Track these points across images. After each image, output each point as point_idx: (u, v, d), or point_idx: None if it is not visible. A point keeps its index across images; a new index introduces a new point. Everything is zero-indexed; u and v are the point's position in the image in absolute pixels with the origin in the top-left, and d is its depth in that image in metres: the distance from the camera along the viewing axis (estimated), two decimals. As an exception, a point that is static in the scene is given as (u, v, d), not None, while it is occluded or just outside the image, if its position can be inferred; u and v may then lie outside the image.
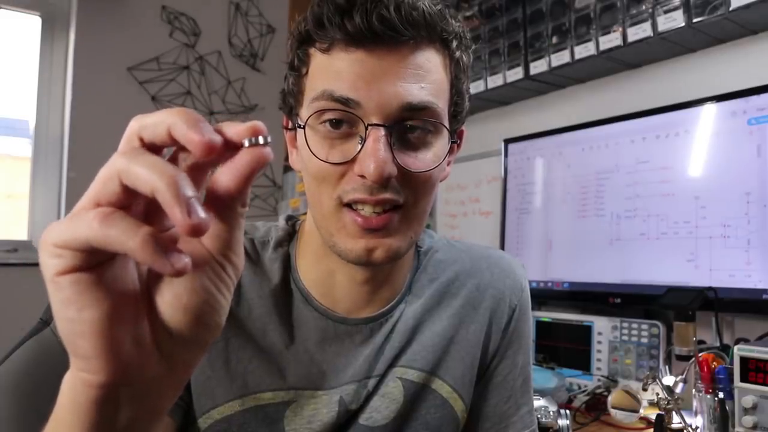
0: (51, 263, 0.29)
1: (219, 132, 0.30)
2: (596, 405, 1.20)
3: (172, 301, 0.32)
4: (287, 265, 0.66)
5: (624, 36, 1.37)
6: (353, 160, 0.55)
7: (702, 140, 1.25)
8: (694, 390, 0.93)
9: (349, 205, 0.56)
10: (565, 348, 1.47)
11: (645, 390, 1.04)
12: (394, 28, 0.53)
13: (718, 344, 1.16)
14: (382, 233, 0.56)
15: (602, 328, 1.39)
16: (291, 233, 0.69)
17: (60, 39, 2.24)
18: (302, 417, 0.62)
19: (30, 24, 2.23)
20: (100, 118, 2.24)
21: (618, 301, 1.36)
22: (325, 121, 0.55)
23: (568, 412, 0.97)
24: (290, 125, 0.64)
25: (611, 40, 1.40)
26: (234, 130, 0.30)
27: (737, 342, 1.09)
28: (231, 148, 0.30)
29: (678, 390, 0.98)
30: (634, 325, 1.32)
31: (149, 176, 0.28)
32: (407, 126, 0.56)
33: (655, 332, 1.28)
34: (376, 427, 0.65)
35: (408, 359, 0.67)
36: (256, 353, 0.62)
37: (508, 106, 1.88)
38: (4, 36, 2.22)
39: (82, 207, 0.29)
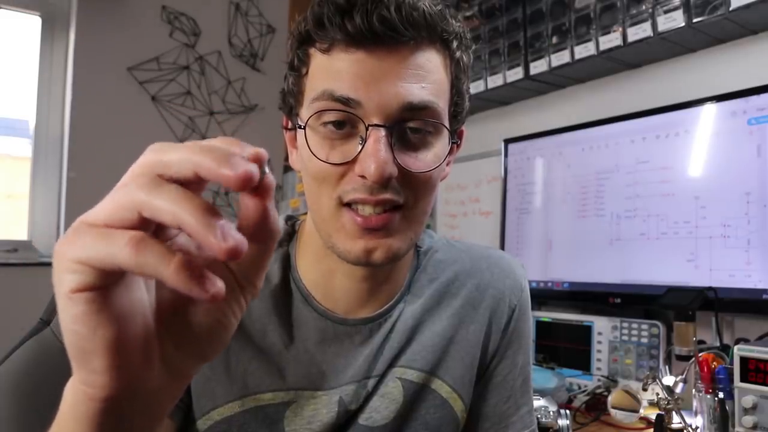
0: (67, 279, 0.29)
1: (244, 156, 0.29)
2: (596, 405, 1.20)
3: (184, 319, 0.32)
4: (287, 265, 0.66)
5: (624, 36, 1.37)
6: (353, 161, 0.55)
7: (702, 140, 1.25)
8: (694, 390, 0.93)
9: (349, 205, 0.56)
10: (565, 348, 1.47)
11: (645, 390, 1.04)
12: (394, 28, 0.53)
13: (718, 344, 1.16)
14: (381, 233, 0.56)
15: (602, 328, 1.39)
16: (290, 233, 0.69)
17: (60, 39, 2.24)
18: (302, 417, 0.62)
19: (30, 24, 2.23)
20: (100, 118, 2.24)
21: (618, 301, 1.36)
22: (326, 123, 0.55)
23: (568, 412, 0.97)
24: (290, 125, 0.64)
25: (611, 40, 1.40)
26: (251, 157, 0.30)
27: (737, 342, 1.09)
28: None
29: (678, 390, 0.98)
30: (634, 325, 1.32)
31: (173, 209, 0.27)
32: (408, 126, 0.56)
33: (655, 332, 1.28)
34: (376, 427, 0.65)
35: (407, 359, 0.66)
36: (256, 354, 0.62)
37: (508, 106, 1.88)
38: (4, 36, 2.22)
39: (91, 223, 0.29)
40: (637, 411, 1.05)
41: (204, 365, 0.60)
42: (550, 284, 1.53)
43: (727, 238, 1.18)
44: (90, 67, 2.23)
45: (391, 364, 0.66)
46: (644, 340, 1.30)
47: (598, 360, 1.38)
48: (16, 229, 2.19)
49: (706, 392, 0.90)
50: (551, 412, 0.95)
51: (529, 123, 1.76)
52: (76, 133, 2.19)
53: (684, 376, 0.99)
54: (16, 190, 2.27)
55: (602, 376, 1.35)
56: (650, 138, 1.34)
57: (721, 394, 0.89)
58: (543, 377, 1.21)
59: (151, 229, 0.29)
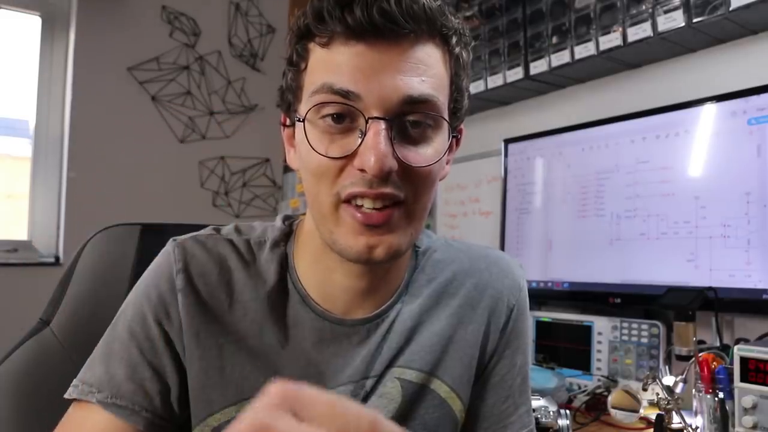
0: None
1: None
2: (596, 405, 1.20)
3: None
4: (284, 266, 0.66)
5: (624, 36, 1.37)
6: (353, 155, 0.54)
7: (702, 140, 1.25)
8: (694, 390, 0.93)
9: (348, 201, 0.56)
10: (565, 348, 1.47)
11: (645, 390, 1.04)
12: (394, 21, 0.53)
13: (718, 344, 1.16)
14: (383, 230, 0.56)
15: (602, 328, 1.39)
16: (288, 233, 0.68)
17: (60, 39, 2.24)
18: None
19: (30, 24, 2.23)
20: (100, 118, 2.24)
21: (618, 301, 1.36)
22: (325, 116, 0.55)
23: (568, 412, 0.97)
24: (288, 122, 0.64)
25: (611, 40, 1.40)
26: None
27: (737, 342, 1.09)
28: None
29: (678, 390, 0.98)
30: (634, 325, 1.32)
31: None
32: (408, 119, 0.56)
33: (655, 332, 1.28)
34: None
35: (406, 359, 0.66)
36: (251, 357, 0.62)
37: (508, 106, 1.88)
38: (4, 36, 2.22)
39: None
40: (637, 411, 1.05)
41: (199, 372, 0.61)
42: (550, 284, 1.53)
43: (727, 238, 1.18)
44: (90, 67, 2.23)
45: (390, 365, 0.66)
46: (644, 340, 1.30)
47: (598, 360, 1.38)
48: (16, 229, 2.20)
49: (706, 392, 0.90)
50: (551, 412, 0.95)
51: (529, 123, 1.76)
52: (76, 133, 2.19)
53: (684, 376, 0.99)
54: (16, 190, 2.27)
55: (602, 376, 1.35)
56: (650, 138, 1.34)
57: (721, 394, 0.89)
58: (543, 377, 1.21)
59: None
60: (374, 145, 0.52)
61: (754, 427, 0.84)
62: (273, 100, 0.65)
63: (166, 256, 0.64)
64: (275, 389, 0.28)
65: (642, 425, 1.08)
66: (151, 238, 0.85)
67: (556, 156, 1.56)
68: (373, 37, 0.53)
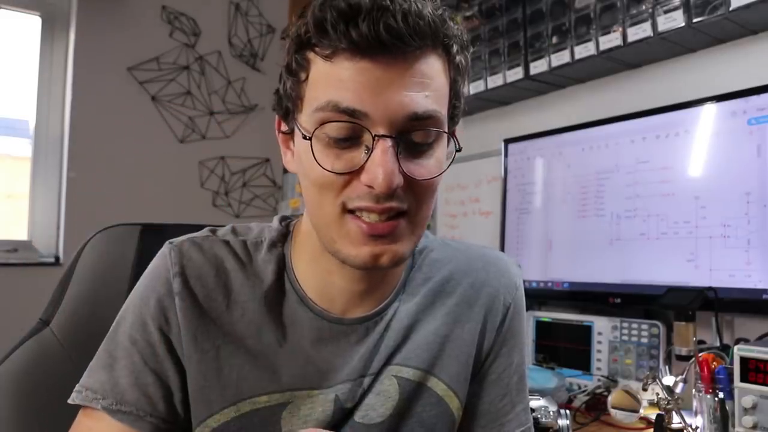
0: None
1: None
2: (596, 405, 1.20)
3: None
4: (282, 266, 0.66)
5: (624, 36, 1.37)
6: (359, 170, 0.54)
7: (702, 140, 1.25)
8: (694, 390, 0.93)
9: (352, 211, 0.56)
10: (565, 348, 1.47)
11: (645, 390, 1.04)
12: (401, 38, 0.52)
13: (718, 344, 1.16)
14: (387, 239, 0.56)
15: (602, 328, 1.39)
16: (285, 234, 0.68)
17: (60, 39, 2.24)
18: (298, 417, 0.62)
19: (30, 24, 2.23)
20: (100, 118, 2.24)
21: (618, 301, 1.36)
22: (332, 138, 0.55)
23: (568, 412, 0.97)
24: (284, 128, 0.63)
25: (611, 40, 1.40)
26: None
27: (737, 342, 1.09)
28: None
29: (678, 390, 0.98)
30: (634, 325, 1.32)
31: None
32: (412, 135, 0.56)
33: (655, 332, 1.28)
34: (372, 424, 0.65)
35: (403, 357, 0.67)
36: (249, 357, 0.62)
37: (508, 106, 1.88)
38: (4, 36, 2.22)
39: None
40: (637, 411, 1.05)
41: (197, 374, 0.61)
42: (550, 284, 1.53)
43: (727, 238, 1.18)
44: (90, 67, 2.23)
45: (387, 363, 0.66)
46: (644, 340, 1.30)
47: (598, 360, 1.38)
48: (16, 229, 2.20)
49: (706, 392, 0.90)
50: (551, 412, 0.95)
51: (529, 123, 1.76)
52: (76, 133, 2.19)
53: (684, 376, 0.99)
54: (16, 190, 2.27)
55: (602, 376, 1.35)
56: (650, 138, 1.34)
57: (721, 394, 0.89)
58: (543, 377, 1.21)
59: None
60: (382, 162, 0.52)
61: (754, 427, 0.84)
62: (272, 100, 0.65)
63: (163, 259, 0.64)
64: None
65: (642, 425, 1.08)
66: (151, 238, 0.85)
67: (556, 156, 1.56)
68: (378, 53, 0.53)
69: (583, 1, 1.46)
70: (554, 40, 1.54)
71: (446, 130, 0.59)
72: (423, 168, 0.57)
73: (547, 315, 1.53)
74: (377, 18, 0.51)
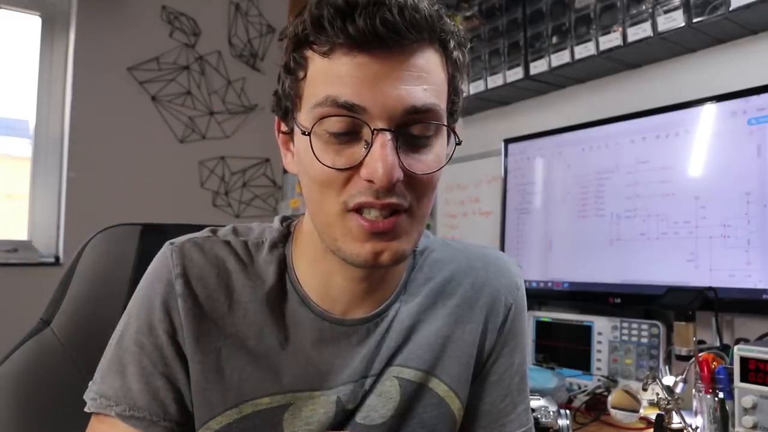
0: None
1: None
2: (596, 405, 1.20)
3: None
4: (283, 267, 0.66)
5: (624, 36, 1.37)
6: (359, 165, 0.54)
7: (702, 140, 1.25)
8: (694, 390, 0.93)
9: (354, 210, 0.56)
10: (565, 348, 1.47)
11: (645, 390, 1.04)
12: (397, 31, 0.52)
13: (718, 344, 1.16)
14: (388, 236, 0.56)
15: (602, 328, 1.39)
16: (286, 234, 0.68)
17: (60, 39, 2.24)
18: (300, 419, 0.62)
19: (30, 24, 2.23)
20: (100, 118, 2.24)
21: (618, 301, 1.36)
22: (331, 134, 0.55)
23: (568, 412, 0.97)
24: (284, 128, 0.63)
25: (611, 40, 1.40)
26: None
27: (737, 342, 1.09)
28: None
29: (678, 390, 0.98)
30: (634, 325, 1.32)
31: None
32: (411, 129, 0.56)
33: (655, 332, 1.28)
34: (373, 425, 0.65)
35: (404, 358, 0.67)
36: (251, 359, 0.62)
37: (508, 106, 1.88)
38: (4, 36, 2.22)
39: None
40: (637, 411, 1.05)
41: (199, 376, 0.61)
42: (550, 284, 1.53)
43: (727, 238, 1.18)
44: (90, 67, 2.23)
45: (388, 363, 0.66)
46: (644, 340, 1.30)
47: (598, 360, 1.38)
48: (16, 229, 2.20)
49: (706, 392, 0.90)
50: (551, 412, 0.95)
51: (529, 123, 1.76)
52: (76, 133, 2.19)
53: (684, 376, 0.99)
54: (16, 190, 2.27)
55: (602, 376, 1.35)
56: (650, 138, 1.34)
57: (721, 394, 0.89)
58: (543, 377, 1.21)
59: None
60: (382, 156, 0.52)
61: (754, 427, 0.84)
62: (271, 101, 0.65)
63: (164, 260, 0.64)
64: None
65: (642, 425, 1.08)
66: (152, 238, 0.85)
67: (556, 156, 1.56)
68: (376, 47, 0.53)
69: (583, 1, 1.46)
70: (554, 40, 1.54)
71: (446, 124, 0.59)
72: (422, 163, 0.56)
73: (547, 315, 1.53)
74: (373, 12, 0.52)
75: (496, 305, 0.72)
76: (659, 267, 1.29)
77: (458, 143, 0.61)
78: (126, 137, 2.30)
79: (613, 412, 1.06)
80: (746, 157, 1.16)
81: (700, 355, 0.94)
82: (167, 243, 0.65)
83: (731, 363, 0.90)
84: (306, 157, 0.57)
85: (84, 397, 0.62)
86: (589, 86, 1.64)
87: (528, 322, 1.29)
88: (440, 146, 0.59)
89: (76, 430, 0.65)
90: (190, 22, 2.46)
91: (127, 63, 2.31)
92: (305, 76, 0.57)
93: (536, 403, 0.93)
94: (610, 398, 1.08)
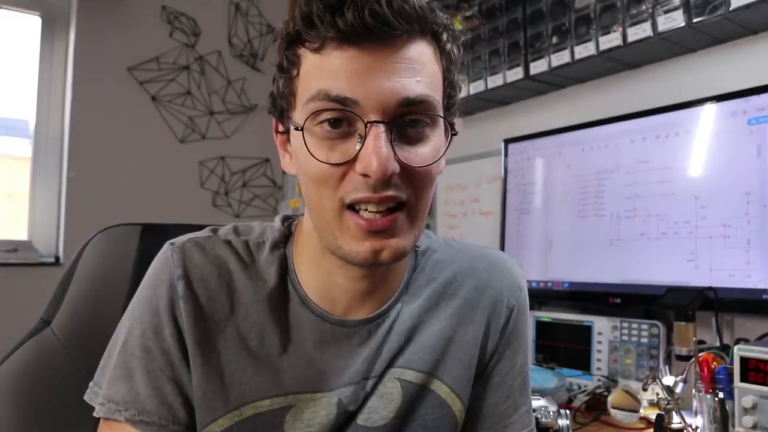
0: None
1: None
2: (596, 405, 1.20)
3: None
4: (284, 267, 0.65)
5: (624, 36, 1.37)
6: (354, 160, 0.54)
7: (702, 140, 1.25)
8: (694, 390, 0.93)
9: (352, 207, 0.55)
10: (565, 348, 1.47)
11: (645, 390, 1.04)
12: (387, 22, 0.52)
13: (718, 344, 1.16)
14: (387, 234, 0.56)
15: (602, 328, 1.39)
16: (287, 234, 0.68)
17: (60, 39, 2.24)
18: (301, 420, 0.62)
19: (30, 24, 2.23)
20: (100, 118, 2.24)
21: (618, 301, 1.36)
22: (322, 122, 0.54)
23: (568, 412, 0.97)
24: (281, 129, 0.63)
25: (611, 40, 1.40)
26: None
27: (737, 342, 1.09)
28: None
29: (678, 390, 0.98)
30: (634, 325, 1.32)
31: None
32: (406, 121, 0.55)
33: (655, 332, 1.28)
34: (375, 427, 0.64)
35: (406, 360, 0.66)
36: (252, 361, 0.62)
37: (508, 106, 1.88)
38: (4, 36, 2.22)
39: None
40: (637, 411, 1.05)
41: (201, 379, 0.61)
42: (550, 284, 1.53)
43: (727, 238, 1.18)
44: (90, 67, 2.23)
45: (390, 365, 0.66)
46: (644, 340, 1.30)
47: (598, 360, 1.38)
48: (16, 229, 2.20)
49: (706, 392, 0.90)
50: (551, 412, 0.95)
51: (529, 123, 1.76)
52: (76, 133, 2.19)
53: (684, 376, 0.99)
54: (16, 190, 2.27)
55: (602, 376, 1.35)
56: (650, 138, 1.34)
57: (721, 394, 0.89)
58: (543, 377, 1.21)
59: None
60: (375, 149, 0.52)
61: (754, 427, 0.84)
62: (267, 103, 0.65)
63: (165, 261, 0.63)
64: None
65: (642, 425, 1.08)
66: (152, 238, 0.85)
67: (556, 156, 1.56)
68: (366, 40, 0.53)
69: (583, 1, 1.46)
70: (554, 40, 1.54)
71: (442, 115, 0.58)
72: (418, 155, 0.56)
73: (547, 315, 1.53)
74: (362, 5, 0.52)
75: (498, 306, 0.72)
76: (659, 267, 1.29)
77: (454, 134, 0.61)
78: (126, 137, 2.30)
79: (613, 412, 1.06)
80: (746, 157, 1.16)
81: (700, 355, 0.94)
82: (167, 243, 0.65)
83: (731, 363, 0.90)
84: (301, 155, 0.57)
85: (89, 401, 0.62)
86: (589, 86, 1.64)
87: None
88: (437, 138, 0.58)
89: (76, 430, 0.65)
90: (190, 22, 2.46)
91: (127, 63, 2.31)
92: (298, 73, 0.57)
93: (536, 403, 0.93)
94: (610, 398, 1.08)
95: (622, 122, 1.40)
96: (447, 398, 0.68)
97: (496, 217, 1.77)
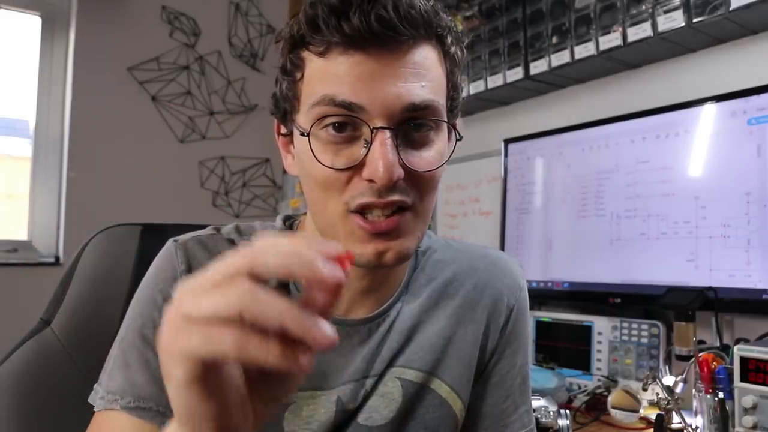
0: (177, 372, 0.33)
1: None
2: (596, 405, 1.20)
3: (266, 378, 0.38)
4: None
5: (624, 36, 1.37)
6: (359, 165, 0.54)
7: (702, 140, 1.25)
8: (694, 390, 0.93)
9: (356, 211, 0.55)
10: (565, 348, 1.47)
11: (645, 390, 1.04)
12: (393, 28, 0.52)
13: (718, 344, 1.16)
14: (391, 236, 0.56)
15: (602, 328, 1.39)
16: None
17: (60, 39, 2.24)
18: (300, 418, 0.62)
19: (30, 24, 2.23)
20: (100, 118, 2.24)
21: (618, 301, 1.36)
22: (327, 126, 0.54)
23: (568, 412, 0.97)
24: (283, 130, 0.63)
25: (611, 40, 1.40)
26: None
27: (737, 342, 1.09)
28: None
29: (678, 390, 0.98)
30: (634, 325, 1.32)
31: (276, 317, 0.32)
32: (411, 125, 0.55)
33: (655, 332, 1.28)
34: (375, 426, 0.65)
35: (406, 359, 0.66)
36: None
37: (508, 106, 1.88)
38: (4, 36, 2.22)
39: (192, 319, 0.33)
40: (637, 411, 1.05)
41: None
42: (550, 284, 1.53)
43: (727, 238, 1.18)
44: (90, 67, 2.23)
45: (390, 364, 0.66)
46: (644, 340, 1.30)
47: (598, 360, 1.38)
48: (16, 229, 2.20)
49: (706, 392, 0.90)
50: (551, 412, 0.95)
51: (529, 123, 1.76)
52: (76, 133, 2.19)
53: (684, 376, 0.99)
54: (16, 190, 2.27)
55: (602, 376, 1.35)
56: (650, 138, 1.34)
57: (721, 394, 0.89)
58: (543, 377, 1.21)
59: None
60: (382, 155, 0.52)
61: (754, 427, 0.84)
62: (269, 104, 0.65)
63: (169, 257, 0.63)
64: (232, 266, 0.34)
65: (642, 425, 1.08)
66: (152, 238, 0.85)
67: (556, 156, 1.56)
68: (372, 45, 0.53)
69: (583, 1, 1.46)
70: (554, 40, 1.54)
71: (446, 120, 0.59)
72: (423, 160, 0.56)
73: (547, 315, 1.53)
74: (368, 10, 0.51)
75: (498, 306, 0.72)
76: (659, 267, 1.29)
77: (459, 139, 0.61)
78: (126, 137, 2.30)
79: (613, 412, 1.06)
80: (746, 157, 1.16)
81: (700, 355, 0.94)
82: (171, 240, 0.65)
83: (731, 363, 0.90)
84: (306, 159, 0.57)
85: (92, 401, 0.62)
86: (589, 86, 1.64)
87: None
88: (441, 142, 0.58)
89: (76, 430, 0.65)
90: (190, 22, 2.46)
91: (127, 63, 2.31)
92: (302, 77, 0.57)
93: (536, 403, 0.93)
94: (610, 398, 1.08)
95: (622, 122, 1.40)
96: (447, 397, 0.68)
97: (496, 217, 1.77)
